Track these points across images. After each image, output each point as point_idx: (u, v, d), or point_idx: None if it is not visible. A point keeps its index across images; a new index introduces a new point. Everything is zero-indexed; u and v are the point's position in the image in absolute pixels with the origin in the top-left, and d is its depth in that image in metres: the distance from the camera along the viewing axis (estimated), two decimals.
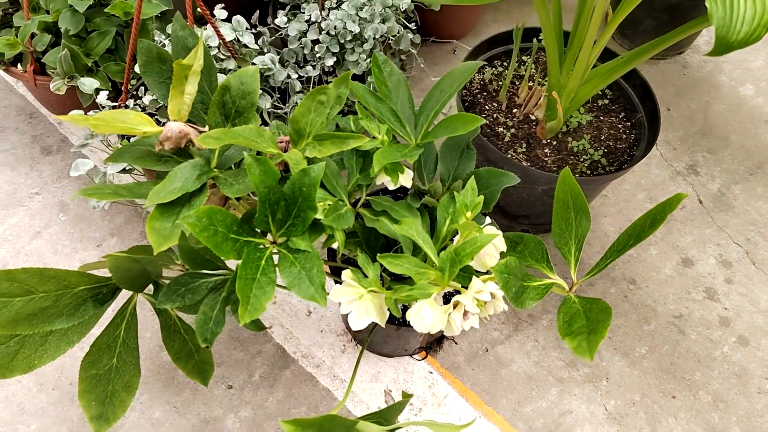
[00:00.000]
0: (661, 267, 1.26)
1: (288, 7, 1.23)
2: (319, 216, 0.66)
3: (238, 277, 0.61)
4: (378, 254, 0.65)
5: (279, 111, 1.14)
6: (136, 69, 1.06)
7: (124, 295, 0.82)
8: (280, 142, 0.78)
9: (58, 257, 1.12)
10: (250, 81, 0.74)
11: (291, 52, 1.19)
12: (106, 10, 1.04)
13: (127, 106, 1.06)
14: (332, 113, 0.72)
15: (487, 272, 0.70)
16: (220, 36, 1.05)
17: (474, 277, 0.63)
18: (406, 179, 0.73)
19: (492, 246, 0.66)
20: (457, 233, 0.71)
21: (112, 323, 0.83)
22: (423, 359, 1.09)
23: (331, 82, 1.26)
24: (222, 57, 1.09)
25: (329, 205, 0.69)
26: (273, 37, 1.21)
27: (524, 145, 1.11)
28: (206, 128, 0.77)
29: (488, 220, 0.74)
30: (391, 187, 0.73)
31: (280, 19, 1.17)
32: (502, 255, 0.69)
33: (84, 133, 1.17)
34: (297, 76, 1.17)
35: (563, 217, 0.78)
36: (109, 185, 0.70)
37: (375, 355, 1.09)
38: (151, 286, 0.82)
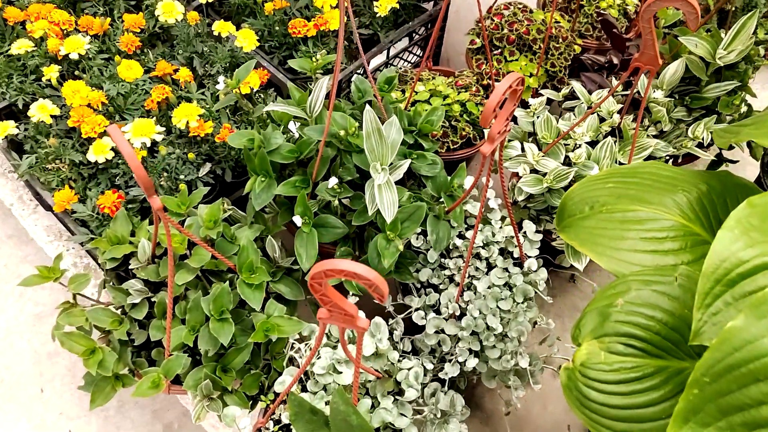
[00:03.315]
0: None
1: (422, 290, 1.17)
2: None
3: None
4: None
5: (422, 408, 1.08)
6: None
7: None
8: None
9: None
10: None
11: (424, 342, 1.13)
12: (249, 340, 1.01)
13: (267, 428, 1.02)
14: None
15: None
16: (359, 347, 1.00)
17: None
18: None
19: None
20: None
21: None
22: None
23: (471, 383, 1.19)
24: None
25: None
26: (404, 315, 1.16)
27: None
28: None
29: None
30: None
31: (417, 314, 1.12)
32: None
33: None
34: (432, 367, 1.11)
35: None
36: None
37: None
38: None
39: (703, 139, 1.28)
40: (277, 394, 1.08)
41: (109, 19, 1.39)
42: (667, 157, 1.32)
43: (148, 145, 1.17)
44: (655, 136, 1.34)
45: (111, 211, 1.14)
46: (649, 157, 1.26)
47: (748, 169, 1.58)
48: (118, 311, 1.10)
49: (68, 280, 1.06)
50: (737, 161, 1.41)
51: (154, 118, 1.24)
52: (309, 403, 0.90)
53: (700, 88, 1.33)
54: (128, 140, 1.16)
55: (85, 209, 1.17)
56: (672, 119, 1.33)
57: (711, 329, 0.62)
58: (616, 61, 1.48)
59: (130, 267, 1.09)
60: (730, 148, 1.37)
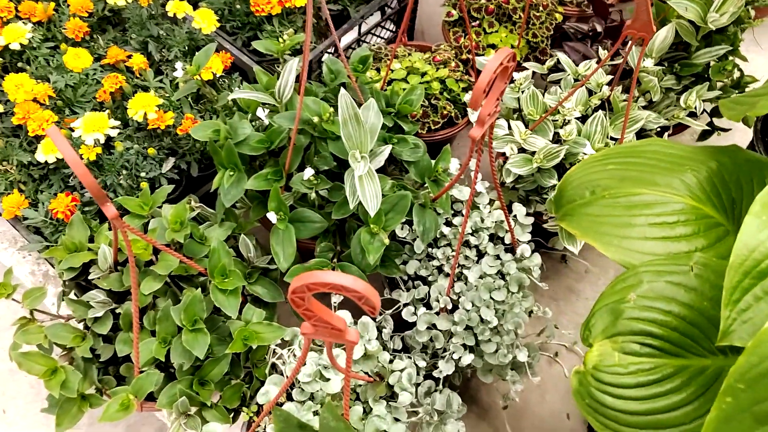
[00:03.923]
0: None
1: (410, 283, 1.10)
2: None
3: None
4: None
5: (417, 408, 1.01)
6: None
7: None
8: None
9: None
10: None
11: (415, 339, 1.06)
12: (227, 352, 0.92)
13: None
14: None
15: None
16: (349, 360, 0.93)
17: None
18: None
19: None
20: None
21: None
22: None
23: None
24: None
25: None
26: (392, 311, 1.08)
27: None
28: None
29: None
30: None
31: (406, 309, 1.05)
32: None
33: None
34: (425, 364, 1.04)
35: None
36: None
37: None
38: None
39: (695, 108, 1.21)
40: (259, 405, 1.01)
41: (53, 4, 1.27)
42: (659, 129, 1.25)
43: (102, 141, 1.07)
44: (644, 107, 1.28)
45: (65, 216, 1.04)
46: (641, 130, 1.20)
47: (737, 135, 1.53)
48: (80, 325, 1.01)
49: (22, 295, 0.96)
50: (729, 129, 1.35)
51: (108, 110, 1.14)
52: (296, 417, 0.82)
53: (689, 54, 1.26)
54: (79, 137, 1.05)
55: (37, 215, 1.07)
56: (661, 88, 1.26)
57: (741, 327, 0.56)
58: (599, 28, 1.40)
59: (90, 276, 0.99)
60: (720, 115, 1.31)
